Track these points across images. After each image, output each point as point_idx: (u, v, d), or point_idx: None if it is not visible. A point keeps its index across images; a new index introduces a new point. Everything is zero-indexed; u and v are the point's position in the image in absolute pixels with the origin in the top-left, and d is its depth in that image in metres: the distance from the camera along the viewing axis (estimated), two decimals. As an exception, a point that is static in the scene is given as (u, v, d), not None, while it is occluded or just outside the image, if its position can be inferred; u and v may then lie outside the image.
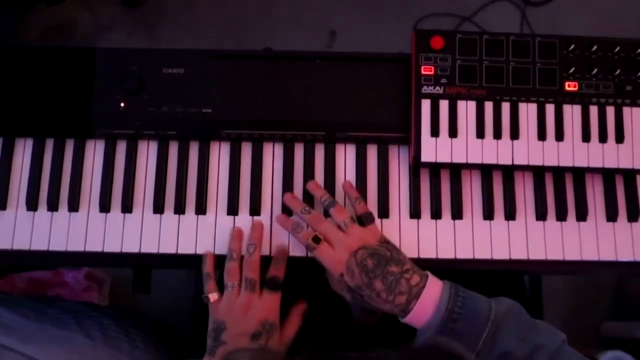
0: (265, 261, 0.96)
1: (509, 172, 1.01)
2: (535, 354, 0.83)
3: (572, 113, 0.99)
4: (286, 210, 0.99)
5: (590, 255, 0.99)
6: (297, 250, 0.98)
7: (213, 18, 2.10)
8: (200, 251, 0.98)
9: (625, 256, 0.99)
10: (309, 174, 1.01)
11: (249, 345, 0.90)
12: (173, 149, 1.01)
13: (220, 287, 0.95)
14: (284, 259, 0.97)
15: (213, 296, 0.94)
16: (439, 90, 0.99)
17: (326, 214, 0.97)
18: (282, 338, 0.94)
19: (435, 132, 0.98)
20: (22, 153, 1.01)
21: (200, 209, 0.99)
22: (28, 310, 1.07)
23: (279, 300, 0.95)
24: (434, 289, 0.86)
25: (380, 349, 0.80)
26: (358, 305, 0.91)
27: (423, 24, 2.06)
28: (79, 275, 1.71)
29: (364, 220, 0.94)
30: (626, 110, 1.00)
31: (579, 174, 1.01)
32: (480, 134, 0.98)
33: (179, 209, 0.99)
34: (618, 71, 0.99)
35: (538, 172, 1.01)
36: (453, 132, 0.98)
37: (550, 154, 0.98)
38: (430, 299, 0.85)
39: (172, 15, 2.10)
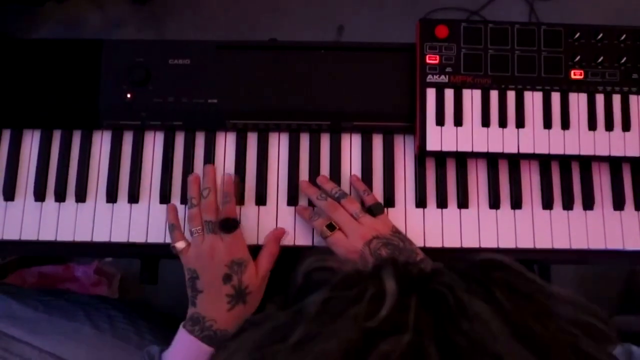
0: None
1: (514, 160, 1.01)
2: None
3: (578, 101, 0.99)
4: (291, 200, 1.00)
5: (597, 244, 0.99)
6: (301, 240, 0.98)
7: (221, 14, 2.11)
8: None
9: (632, 245, 0.99)
10: (314, 163, 1.01)
11: (223, 289, 0.89)
12: (179, 140, 1.02)
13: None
14: (231, 194, 0.97)
15: (180, 244, 0.94)
16: (444, 79, 0.98)
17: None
18: (258, 270, 0.93)
19: (440, 121, 0.98)
20: (30, 144, 1.02)
21: (207, 199, 0.99)
22: (37, 302, 1.08)
23: (241, 237, 0.94)
24: None
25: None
26: None
27: (431, 19, 2.06)
28: (89, 270, 1.72)
29: (374, 210, 0.95)
30: (633, 99, 0.99)
31: (586, 163, 1.01)
32: (485, 122, 0.98)
33: (186, 199, 0.99)
34: (624, 59, 0.99)
35: (544, 161, 1.01)
36: (458, 121, 0.98)
37: (556, 142, 0.98)
38: None
39: (180, 11, 2.11)
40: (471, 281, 0.45)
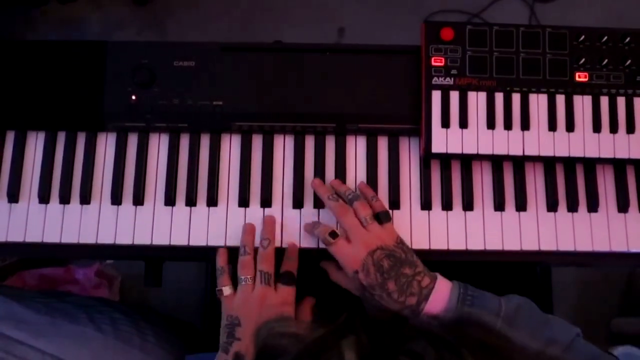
0: (277, 253, 0.96)
1: (519, 163, 1.01)
2: (549, 348, 0.83)
3: (582, 104, 0.99)
4: (297, 203, 0.99)
5: (601, 246, 0.99)
6: (305, 242, 0.98)
7: (221, 15, 2.11)
8: (211, 243, 0.98)
9: (637, 247, 0.99)
10: (319, 165, 1.01)
11: None
12: (184, 142, 1.02)
13: (235, 282, 0.94)
14: (295, 253, 0.97)
15: (226, 290, 0.93)
16: (449, 81, 0.99)
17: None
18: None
19: (445, 123, 0.98)
20: (34, 146, 1.01)
21: (212, 201, 0.99)
22: (39, 305, 1.08)
23: (294, 293, 0.94)
24: (443, 289, 0.86)
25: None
26: (368, 301, 0.91)
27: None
28: (90, 272, 1.71)
29: (381, 218, 0.94)
30: (637, 101, 0.99)
31: (590, 165, 1.01)
32: (490, 124, 0.98)
33: (190, 201, 0.99)
34: (629, 61, 0.99)
35: (549, 163, 1.01)
36: (464, 123, 0.98)
37: (561, 144, 0.98)
38: (440, 300, 0.85)
39: (180, 13, 2.11)
40: (443, 348, 0.44)
